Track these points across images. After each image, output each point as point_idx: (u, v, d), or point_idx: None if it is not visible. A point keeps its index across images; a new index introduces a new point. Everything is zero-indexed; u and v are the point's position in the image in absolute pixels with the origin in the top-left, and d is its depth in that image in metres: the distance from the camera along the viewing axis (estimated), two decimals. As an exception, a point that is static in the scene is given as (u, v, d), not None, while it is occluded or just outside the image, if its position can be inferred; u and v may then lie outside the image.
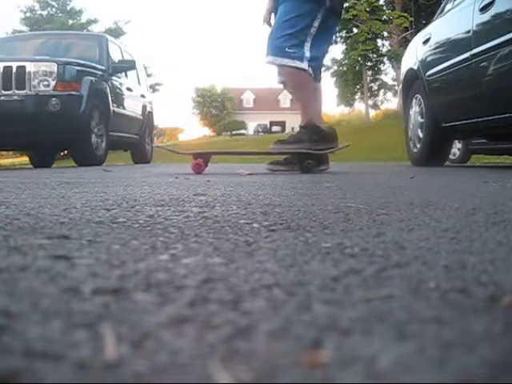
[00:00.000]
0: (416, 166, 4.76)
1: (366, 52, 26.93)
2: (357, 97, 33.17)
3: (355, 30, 26.86)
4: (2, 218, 0.99)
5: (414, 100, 4.85)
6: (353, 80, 30.12)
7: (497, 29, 3.44)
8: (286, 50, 3.24)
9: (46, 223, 0.92)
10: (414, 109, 4.82)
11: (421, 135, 4.69)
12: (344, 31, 27.27)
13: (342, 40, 28.44)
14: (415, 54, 4.82)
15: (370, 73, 30.45)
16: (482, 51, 3.53)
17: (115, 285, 0.50)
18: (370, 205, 1.27)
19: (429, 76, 4.43)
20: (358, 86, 31.43)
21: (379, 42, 28.25)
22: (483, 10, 3.55)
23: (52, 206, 1.22)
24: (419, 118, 4.72)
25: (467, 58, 3.72)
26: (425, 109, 4.59)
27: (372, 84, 31.81)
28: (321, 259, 0.64)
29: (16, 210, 1.12)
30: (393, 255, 0.66)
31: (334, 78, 31.83)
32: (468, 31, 3.76)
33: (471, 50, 3.67)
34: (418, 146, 4.75)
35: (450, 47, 4.18)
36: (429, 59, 4.49)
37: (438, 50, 4.39)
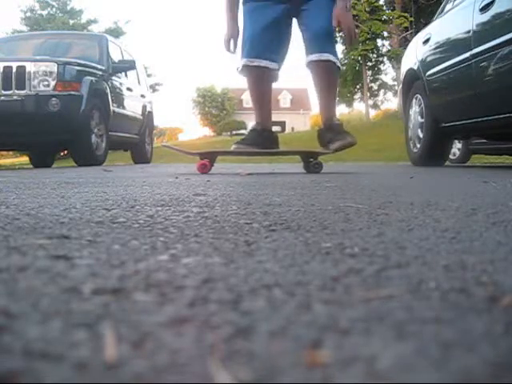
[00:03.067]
0: (416, 165, 4.76)
1: (365, 52, 26.92)
2: (357, 97, 33.16)
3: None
4: (2, 217, 0.99)
5: (414, 100, 4.85)
6: (352, 80, 30.11)
7: (497, 29, 3.44)
8: (335, 49, 3.34)
9: (46, 223, 0.92)
10: (414, 109, 4.82)
11: (421, 135, 4.69)
12: (344, 31, 27.24)
13: (342, 40, 28.44)
14: (415, 54, 4.82)
15: (369, 73, 30.45)
16: (482, 51, 3.53)
17: (115, 285, 0.50)
18: (370, 205, 1.27)
19: (429, 76, 4.43)
20: (357, 86, 31.42)
21: (379, 41, 28.25)
22: (483, 10, 3.55)
23: (52, 205, 1.22)
24: (419, 117, 4.72)
25: (467, 57, 3.72)
26: (425, 109, 4.59)
27: (372, 84, 31.80)
28: (321, 259, 0.64)
29: (16, 210, 1.12)
30: (393, 255, 0.66)
31: (334, 78, 31.70)
32: (468, 31, 3.76)
33: (471, 50, 3.67)
34: (418, 145, 4.75)
35: (449, 47, 4.18)
36: (429, 59, 4.49)
37: (437, 49, 4.39)
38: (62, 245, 0.71)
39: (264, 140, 3.41)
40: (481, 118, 3.76)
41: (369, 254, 0.67)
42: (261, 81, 3.37)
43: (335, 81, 3.43)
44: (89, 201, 1.35)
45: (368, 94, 30.14)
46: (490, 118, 3.63)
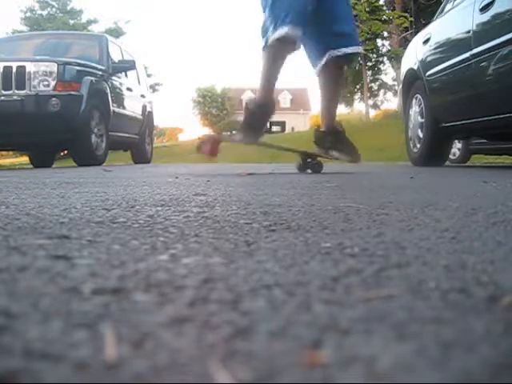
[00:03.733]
0: (416, 165, 4.76)
1: (366, 52, 26.89)
2: (357, 97, 33.15)
3: (355, 30, 26.82)
4: (2, 217, 0.99)
5: (413, 100, 4.85)
6: (353, 80, 30.09)
7: (497, 29, 3.44)
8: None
9: (46, 223, 0.92)
10: (414, 109, 4.82)
11: (421, 135, 4.69)
12: (344, 31, 27.20)
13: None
14: (415, 53, 4.82)
15: (369, 73, 30.43)
16: (481, 51, 3.53)
17: (115, 285, 0.50)
18: (370, 205, 1.27)
19: (429, 76, 4.43)
20: (357, 86, 31.40)
21: (379, 41, 28.21)
22: (483, 10, 3.55)
23: (52, 206, 1.22)
24: (419, 118, 4.72)
25: (467, 57, 3.72)
26: (425, 109, 4.59)
27: (372, 84, 31.78)
28: (321, 259, 0.64)
29: (16, 210, 1.12)
30: (393, 255, 0.66)
31: (334, 78, 31.62)
32: (468, 31, 3.76)
33: (471, 49, 3.67)
34: (418, 145, 4.75)
35: (449, 47, 4.18)
36: (429, 59, 4.49)
37: (437, 49, 4.39)
38: (62, 245, 0.71)
39: (257, 119, 3.17)
40: (481, 118, 3.75)
41: (369, 254, 0.67)
42: (281, 55, 3.11)
43: (342, 82, 3.35)
44: (89, 201, 1.35)
45: (368, 94, 30.12)
46: (490, 118, 3.63)
